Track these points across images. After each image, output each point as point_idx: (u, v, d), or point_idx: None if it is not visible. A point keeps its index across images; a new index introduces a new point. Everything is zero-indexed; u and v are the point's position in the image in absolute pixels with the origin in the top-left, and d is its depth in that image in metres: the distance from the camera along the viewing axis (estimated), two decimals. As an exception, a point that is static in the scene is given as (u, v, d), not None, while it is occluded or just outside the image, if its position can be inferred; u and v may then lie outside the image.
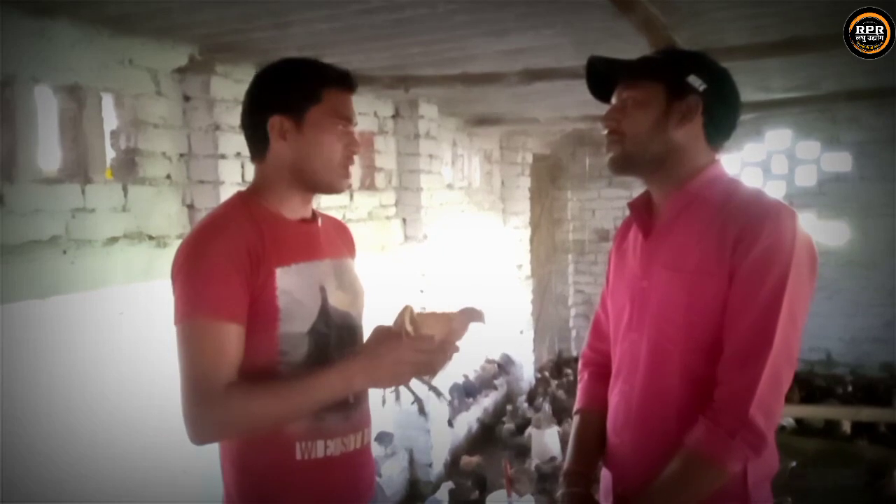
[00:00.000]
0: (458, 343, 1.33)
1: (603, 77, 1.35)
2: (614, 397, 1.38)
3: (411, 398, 1.36)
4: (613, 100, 1.34)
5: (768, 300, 1.14)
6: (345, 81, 1.36)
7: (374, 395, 1.40)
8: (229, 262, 1.23)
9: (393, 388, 1.32)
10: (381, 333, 1.31)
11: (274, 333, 1.28)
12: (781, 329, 1.13)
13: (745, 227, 1.16)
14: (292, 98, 1.32)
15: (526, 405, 5.89)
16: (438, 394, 1.40)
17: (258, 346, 1.27)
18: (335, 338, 1.36)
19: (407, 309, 1.27)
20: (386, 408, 1.42)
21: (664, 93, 1.26)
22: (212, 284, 1.22)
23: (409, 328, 1.24)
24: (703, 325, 1.20)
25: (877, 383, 6.00)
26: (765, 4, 2.45)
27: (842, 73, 3.87)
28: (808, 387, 5.79)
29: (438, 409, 4.69)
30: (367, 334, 1.38)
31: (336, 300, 1.37)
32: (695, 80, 1.25)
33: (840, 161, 6.26)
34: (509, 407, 5.85)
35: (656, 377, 1.27)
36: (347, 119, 1.35)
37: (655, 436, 1.27)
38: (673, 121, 1.26)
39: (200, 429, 1.21)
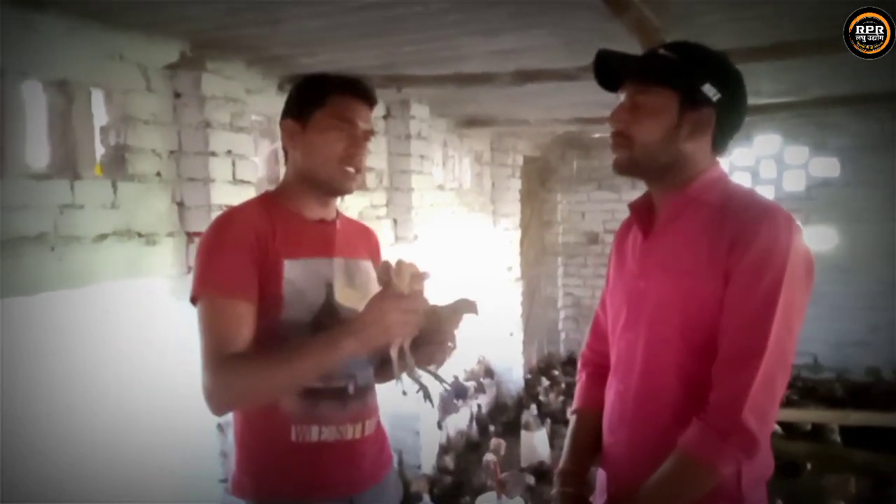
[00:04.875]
0: (455, 333, 1.38)
1: (611, 69, 1.30)
2: (610, 396, 1.38)
3: (416, 387, 1.40)
4: (621, 97, 1.29)
5: (763, 303, 1.14)
6: (350, 87, 1.46)
7: (388, 388, 1.46)
8: (238, 244, 1.34)
9: (398, 379, 1.35)
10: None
11: (277, 320, 1.36)
12: (775, 332, 1.13)
13: (741, 228, 1.16)
14: (300, 103, 1.45)
15: (515, 407, 5.88)
16: (441, 381, 1.45)
17: (262, 332, 1.35)
18: None
19: (384, 264, 1.29)
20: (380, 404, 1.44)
21: (677, 101, 1.22)
22: (221, 264, 1.34)
23: (385, 278, 1.26)
24: (699, 326, 1.20)
25: (863, 387, 6.04)
26: (755, 8, 2.47)
27: (828, 79, 3.90)
28: (796, 390, 5.82)
29: (427, 411, 4.67)
30: None
31: (344, 297, 1.44)
32: (709, 90, 1.21)
33: (827, 166, 6.32)
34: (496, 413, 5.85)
35: (652, 377, 1.27)
36: (350, 121, 1.43)
37: (650, 435, 1.27)
38: (684, 132, 1.23)
39: (215, 397, 1.29)
